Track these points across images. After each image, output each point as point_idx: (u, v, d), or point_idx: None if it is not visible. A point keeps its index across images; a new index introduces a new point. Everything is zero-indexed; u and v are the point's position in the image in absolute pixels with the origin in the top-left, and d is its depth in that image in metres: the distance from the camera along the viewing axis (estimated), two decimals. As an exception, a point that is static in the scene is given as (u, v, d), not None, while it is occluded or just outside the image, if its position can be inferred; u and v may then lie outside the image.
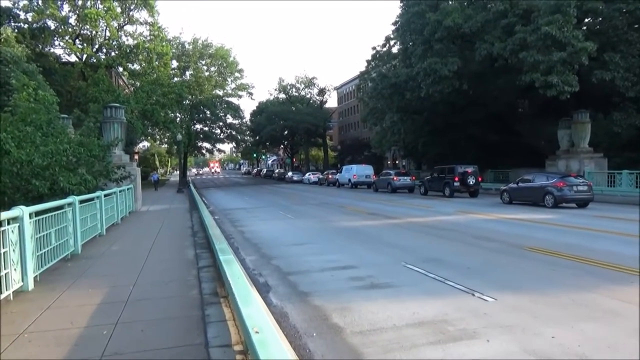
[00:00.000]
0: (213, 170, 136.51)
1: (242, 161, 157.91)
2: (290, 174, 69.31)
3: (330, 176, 48.75)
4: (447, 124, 41.00)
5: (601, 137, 31.33)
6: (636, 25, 27.93)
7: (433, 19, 30.18)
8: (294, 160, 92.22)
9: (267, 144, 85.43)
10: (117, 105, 21.82)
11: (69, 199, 9.49)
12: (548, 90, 25.26)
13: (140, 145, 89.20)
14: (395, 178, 32.56)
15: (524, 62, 26.30)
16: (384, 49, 46.90)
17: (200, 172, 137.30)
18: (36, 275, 7.16)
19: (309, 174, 59.93)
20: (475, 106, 43.12)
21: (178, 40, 62.08)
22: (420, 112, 41.19)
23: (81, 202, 10.40)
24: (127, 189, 18.93)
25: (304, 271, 8.80)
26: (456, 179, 26.06)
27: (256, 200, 29.53)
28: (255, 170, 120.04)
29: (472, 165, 26.93)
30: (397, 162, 66.50)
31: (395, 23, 38.33)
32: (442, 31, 29.88)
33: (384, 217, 17.33)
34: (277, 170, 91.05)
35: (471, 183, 26.05)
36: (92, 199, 11.93)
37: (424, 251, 10.41)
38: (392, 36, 45.46)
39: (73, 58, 45.97)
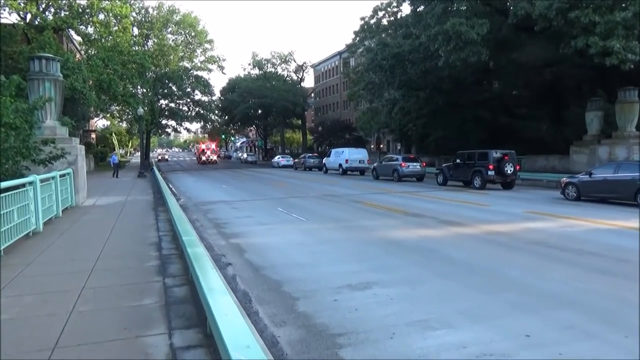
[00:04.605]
0: (206, 157, 65.83)
1: (209, 143, 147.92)
2: (245, 155, 73.54)
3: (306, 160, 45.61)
4: (451, 104, 36.04)
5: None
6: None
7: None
8: (267, 142, 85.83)
9: (239, 124, 78.67)
10: (50, 55, 15.47)
11: None
12: (607, 58, 20.43)
13: (100, 124, 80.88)
14: (403, 164, 27.28)
15: (574, 24, 21.36)
16: (373, 20, 41.51)
17: (165, 154, 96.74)
18: None
19: (279, 157, 57.15)
20: (482, 85, 38.41)
21: (140, 4, 54.64)
22: (422, 89, 36.00)
23: None
24: (61, 176, 12.91)
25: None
26: (491, 166, 21.02)
27: (237, 189, 23.70)
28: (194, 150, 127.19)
29: (508, 150, 21.99)
30: (381, 145, 61.51)
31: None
32: (469, -15, 24.59)
33: (439, 222, 12.01)
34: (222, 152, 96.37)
35: (509, 172, 21.08)
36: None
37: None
38: (380, 6, 40.17)
39: (15, 19, 38.33)
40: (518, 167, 21.90)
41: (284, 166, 51.46)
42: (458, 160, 23.39)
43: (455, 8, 25.95)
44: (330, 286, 6.54)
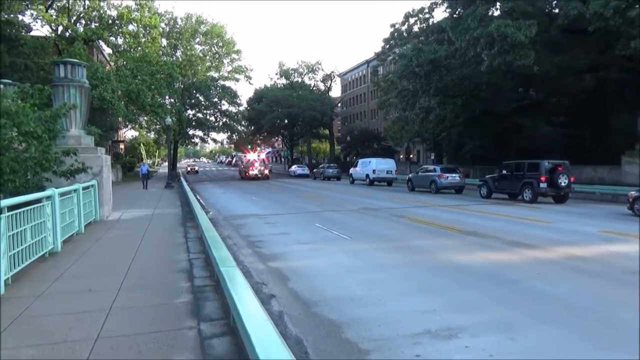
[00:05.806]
0: (257, 171, 46.82)
1: (234, 153, 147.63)
2: None
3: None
4: (488, 112, 34.32)
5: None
6: None
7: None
8: (293, 152, 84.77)
9: (265, 134, 77.83)
10: (75, 61, 14.67)
11: None
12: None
13: (129, 135, 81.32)
14: (441, 175, 25.75)
15: (633, 23, 19.62)
16: (404, 27, 40.19)
17: (195, 166, 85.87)
18: None
19: (295, 167, 58.93)
20: (519, 92, 36.56)
21: (170, 16, 54.77)
22: (459, 96, 34.40)
23: None
24: (84, 189, 11.93)
25: None
26: (543, 178, 19.34)
27: (268, 201, 22.55)
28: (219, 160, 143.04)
29: (561, 160, 20.27)
30: (411, 155, 59.79)
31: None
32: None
33: (504, 243, 10.51)
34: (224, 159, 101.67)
35: (563, 184, 19.35)
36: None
37: None
38: (411, 12, 38.83)
39: (47, 31, 38.57)
40: (572, 179, 20.10)
41: (300, 175, 52.77)
42: (504, 171, 21.75)
43: (495, 11, 24.39)
44: (404, 332, 5.18)
